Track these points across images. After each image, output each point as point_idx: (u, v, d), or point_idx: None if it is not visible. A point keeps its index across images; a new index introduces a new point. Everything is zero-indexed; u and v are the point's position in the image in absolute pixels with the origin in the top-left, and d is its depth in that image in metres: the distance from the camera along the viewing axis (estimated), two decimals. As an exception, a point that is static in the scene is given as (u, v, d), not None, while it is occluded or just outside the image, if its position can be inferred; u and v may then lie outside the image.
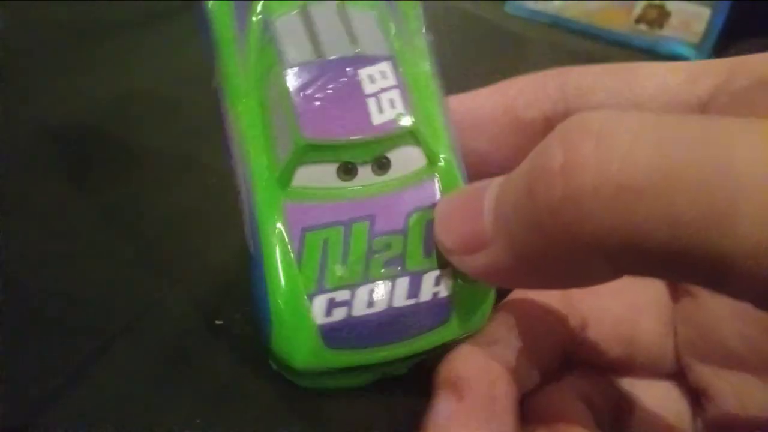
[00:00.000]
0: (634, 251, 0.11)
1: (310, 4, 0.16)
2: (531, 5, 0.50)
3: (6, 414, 0.15)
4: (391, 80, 0.16)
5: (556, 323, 0.18)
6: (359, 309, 0.15)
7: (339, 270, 0.16)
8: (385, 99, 0.16)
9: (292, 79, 0.15)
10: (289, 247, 0.16)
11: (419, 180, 0.17)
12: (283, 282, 0.15)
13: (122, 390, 0.16)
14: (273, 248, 0.15)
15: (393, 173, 0.16)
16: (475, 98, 0.19)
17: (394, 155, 0.16)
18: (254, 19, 0.16)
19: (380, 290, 0.16)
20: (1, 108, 0.29)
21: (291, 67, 0.16)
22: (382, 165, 0.16)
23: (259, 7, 0.16)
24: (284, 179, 0.16)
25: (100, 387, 0.16)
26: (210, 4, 0.16)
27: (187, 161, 0.27)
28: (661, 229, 0.11)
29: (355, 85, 0.16)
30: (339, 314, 0.15)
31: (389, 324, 0.16)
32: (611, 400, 0.19)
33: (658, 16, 0.53)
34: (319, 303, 0.15)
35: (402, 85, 0.16)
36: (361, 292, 0.16)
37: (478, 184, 0.15)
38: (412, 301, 0.16)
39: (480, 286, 0.17)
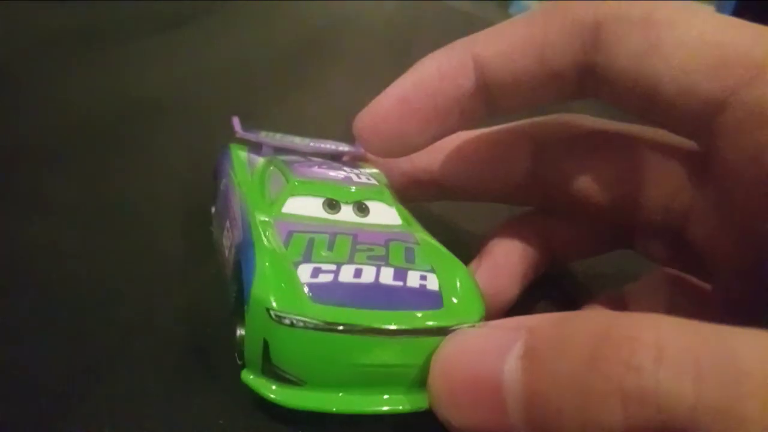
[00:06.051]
0: None
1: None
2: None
3: (21, 419, 0.14)
4: (367, 174, 0.20)
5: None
6: (345, 277, 0.15)
7: (324, 253, 0.16)
8: (363, 175, 0.20)
9: (288, 160, 0.21)
10: (276, 236, 0.16)
11: (398, 230, 0.18)
12: (270, 248, 0.16)
13: (140, 390, 0.16)
14: (260, 231, 0.16)
15: (372, 219, 0.19)
16: (509, 44, 0.18)
17: (372, 205, 0.19)
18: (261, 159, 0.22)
19: (366, 270, 0.16)
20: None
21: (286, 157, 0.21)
22: (362, 208, 0.19)
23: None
24: (275, 206, 0.18)
25: (117, 388, 0.15)
26: (232, 146, 0.23)
27: (187, 167, 0.27)
28: None
29: (339, 167, 0.20)
30: (325, 278, 0.15)
31: (377, 291, 0.15)
32: None
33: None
34: (305, 268, 0.15)
35: (377, 181, 0.20)
36: (347, 268, 0.16)
37: (484, 344, 0.14)
38: (399, 283, 0.16)
39: (470, 285, 0.17)
